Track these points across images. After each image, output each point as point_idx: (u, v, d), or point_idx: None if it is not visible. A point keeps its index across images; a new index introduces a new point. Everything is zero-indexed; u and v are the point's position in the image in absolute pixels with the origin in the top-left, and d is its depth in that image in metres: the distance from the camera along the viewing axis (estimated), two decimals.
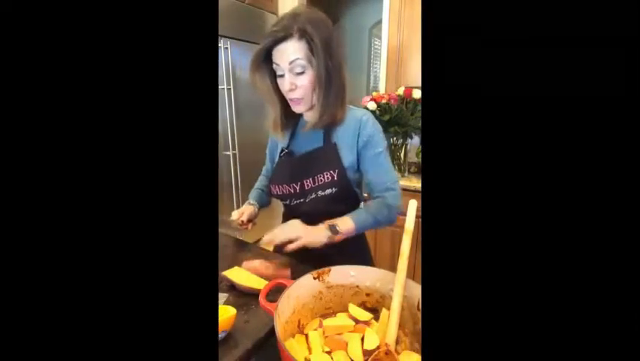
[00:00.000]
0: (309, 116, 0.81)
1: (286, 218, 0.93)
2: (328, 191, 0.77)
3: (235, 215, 0.90)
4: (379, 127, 0.80)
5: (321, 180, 0.77)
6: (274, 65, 0.72)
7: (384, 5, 1.92)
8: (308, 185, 0.78)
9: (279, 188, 0.83)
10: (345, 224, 0.72)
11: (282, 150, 0.86)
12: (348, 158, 0.77)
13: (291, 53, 0.68)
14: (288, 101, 0.76)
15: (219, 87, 1.96)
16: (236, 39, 2.00)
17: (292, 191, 0.81)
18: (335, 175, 0.76)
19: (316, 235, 0.70)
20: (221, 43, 1.90)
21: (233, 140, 2.10)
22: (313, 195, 0.78)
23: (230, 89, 2.00)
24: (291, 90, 0.72)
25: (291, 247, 0.70)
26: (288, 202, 0.84)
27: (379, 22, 2.46)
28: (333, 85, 0.72)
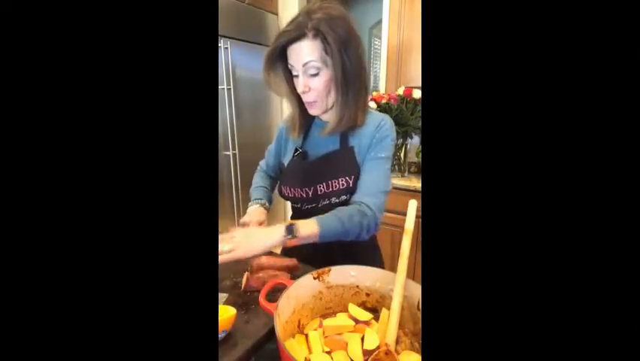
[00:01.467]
0: (327, 119, 0.77)
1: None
2: (343, 198, 0.73)
3: (254, 223, 0.78)
4: (394, 135, 0.75)
5: (336, 186, 0.72)
6: (289, 65, 0.68)
7: (384, 5, 1.92)
8: (321, 190, 0.74)
9: (290, 190, 0.78)
10: (307, 227, 0.62)
11: (296, 150, 0.81)
12: None
13: (305, 55, 0.64)
14: (304, 103, 0.73)
15: (219, 87, 1.96)
16: (236, 39, 2.00)
17: (304, 195, 0.76)
18: (351, 181, 0.72)
19: (266, 237, 0.61)
20: (221, 44, 1.90)
21: (233, 140, 2.10)
22: (326, 202, 0.74)
23: (230, 89, 2.00)
24: (304, 92, 0.69)
25: (222, 258, 0.57)
26: (299, 206, 0.80)
27: (379, 22, 2.46)
28: (351, 86, 0.68)
